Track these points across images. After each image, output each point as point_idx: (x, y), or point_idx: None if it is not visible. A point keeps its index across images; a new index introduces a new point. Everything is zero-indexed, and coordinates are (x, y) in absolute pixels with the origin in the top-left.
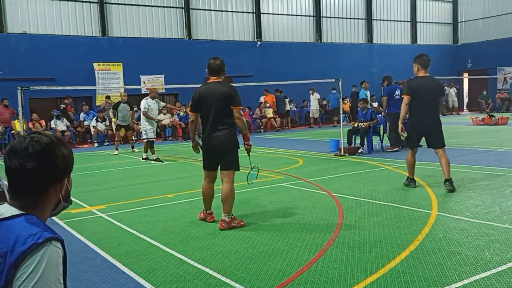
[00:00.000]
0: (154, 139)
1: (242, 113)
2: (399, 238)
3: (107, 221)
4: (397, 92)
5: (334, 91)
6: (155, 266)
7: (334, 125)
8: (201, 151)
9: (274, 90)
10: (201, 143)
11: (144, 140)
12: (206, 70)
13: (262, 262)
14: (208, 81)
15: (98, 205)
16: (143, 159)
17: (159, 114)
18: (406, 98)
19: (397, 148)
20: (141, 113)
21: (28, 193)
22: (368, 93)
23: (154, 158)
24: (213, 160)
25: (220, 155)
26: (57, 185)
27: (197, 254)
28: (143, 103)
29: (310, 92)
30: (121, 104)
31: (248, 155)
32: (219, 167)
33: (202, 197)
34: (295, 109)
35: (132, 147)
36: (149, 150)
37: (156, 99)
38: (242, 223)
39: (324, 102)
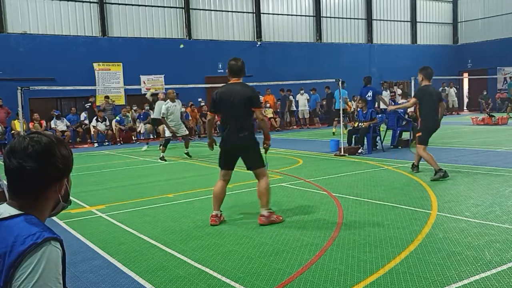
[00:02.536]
0: (170, 139)
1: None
2: (399, 238)
3: (107, 221)
4: (369, 93)
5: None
6: (155, 266)
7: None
8: (216, 149)
9: (279, 90)
10: (218, 142)
11: (161, 138)
12: (227, 70)
13: (262, 262)
14: (229, 82)
15: (98, 205)
16: (185, 153)
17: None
18: (413, 101)
19: (376, 149)
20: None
21: (27, 193)
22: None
23: (161, 156)
24: (232, 159)
25: (241, 155)
26: (57, 185)
27: (197, 254)
28: (163, 108)
29: (311, 92)
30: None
31: (265, 153)
32: (233, 167)
33: (213, 197)
34: (295, 108)
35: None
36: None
37: (178, 100)
38: (281, 218)
39: (324, 102)
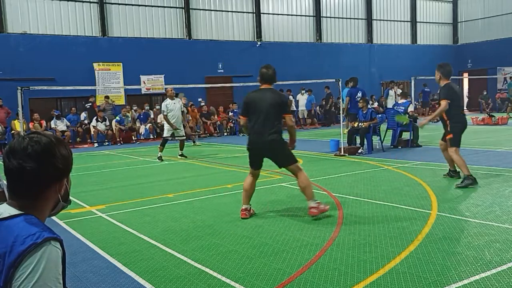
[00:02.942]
0: (168, 139)
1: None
2: (399, 238)
3: (107, 221)
4: (359, 94)
5: (348, 87)
6: (155, 266)
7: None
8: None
9: (278, 90)
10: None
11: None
12: (258, 78)
13: (262, 262)
14: (261, 88)
15: (98, 205)
16: (180, 154)
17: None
18: (446, 103)
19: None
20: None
21: (27, 193)
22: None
23: (158, 155)
24: (261, 160)
25: (269, 156)
26: (56, 185)
27: (197, 254)
28: (162, 106)
29: (308, 92)
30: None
31: None
32: (261, 166)
33: (243, 191)
34: (295, 108)
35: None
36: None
37: (178, 99)
38: (328, 207)
39: (324, 102)
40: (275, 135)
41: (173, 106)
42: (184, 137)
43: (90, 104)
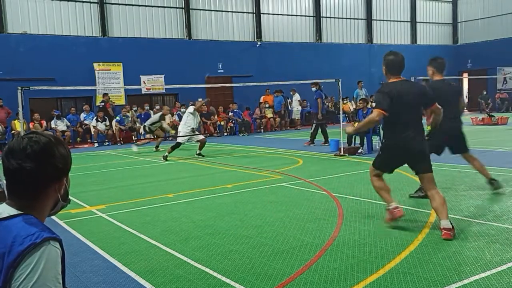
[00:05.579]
0: (179, 143)
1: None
2: (399, 238)
3: (107, 221)
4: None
5: (359, 90)
6: (155, 266)
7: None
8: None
9: (274, 91)
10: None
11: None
12: (385, 68)
13: (262, 262)
14: (396, 80)
15: (98, 205)
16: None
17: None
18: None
19: (314, 144)
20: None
21: (26, 193)
22: (364, 91)
23: (164, 155)
24: (398, 165)
25: (416, 158)
26: (56, 185)
27: (197, 254)
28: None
29: (291, 92)
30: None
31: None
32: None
33: (380, 192)
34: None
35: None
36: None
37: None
38: (399, 212)
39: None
40: (421, 137)
41: (193, 115)
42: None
43: (103, 103)
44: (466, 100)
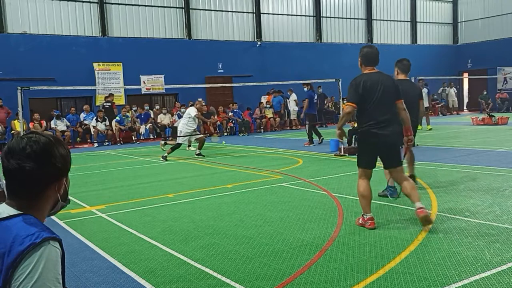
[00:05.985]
0: (179, 144)
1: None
2: (399, 238)
3: (107, 221)
4: (316, 97)
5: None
6: (155, 266)
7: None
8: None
9: (272, 90)
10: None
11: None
12: (361, 59)
13: (262, 262)
14: (368, 72)
15: (98, 205)
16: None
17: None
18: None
19: (314, 144)
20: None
21: (26, 193)
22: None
23: (164, 155)
24: (376, 157)
25: (388, 152)
26: (56, 185)
27: (197, 254)
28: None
29: (288, 92)
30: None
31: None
32: (375, 165)
33: (361, 199)
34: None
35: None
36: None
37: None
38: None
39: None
40: (398, 126)
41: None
42: (177, 143)
43: (109, 104)
44: (466, 100)
